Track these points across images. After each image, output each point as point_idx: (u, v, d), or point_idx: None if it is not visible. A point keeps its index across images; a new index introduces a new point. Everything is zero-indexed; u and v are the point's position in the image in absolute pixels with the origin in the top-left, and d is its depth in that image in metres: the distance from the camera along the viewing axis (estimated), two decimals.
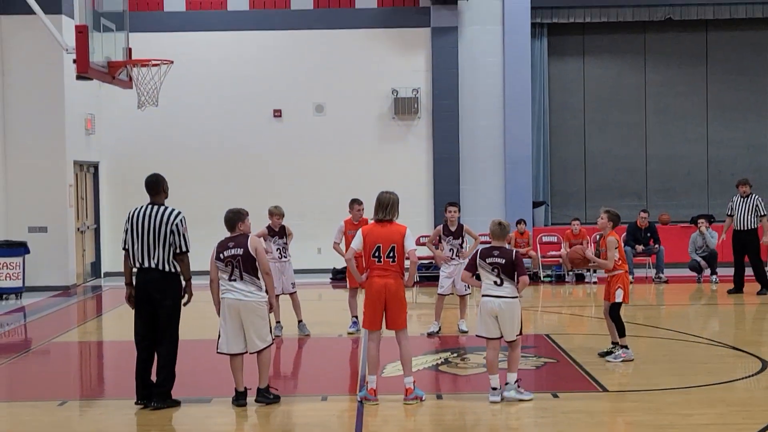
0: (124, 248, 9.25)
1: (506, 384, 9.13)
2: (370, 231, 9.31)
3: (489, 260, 9.15)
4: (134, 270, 9.21)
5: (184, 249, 9.04)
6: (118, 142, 20.92)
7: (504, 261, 9.10)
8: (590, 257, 11.21)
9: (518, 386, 9.14)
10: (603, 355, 11.12)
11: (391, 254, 9.17)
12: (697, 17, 21.86)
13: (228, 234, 9.22)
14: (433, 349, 12.05)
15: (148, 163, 20.35)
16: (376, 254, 9.18)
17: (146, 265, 9.02)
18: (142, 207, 9.15)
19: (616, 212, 11.21)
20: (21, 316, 16.08)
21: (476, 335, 9.44)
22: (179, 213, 9.09)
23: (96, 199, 20.81)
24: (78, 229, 19.58)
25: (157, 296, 9.04)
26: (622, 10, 21.74)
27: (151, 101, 13.67)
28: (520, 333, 9.29)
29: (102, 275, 20.78)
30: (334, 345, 12.69)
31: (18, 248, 17.70)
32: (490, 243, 9.42)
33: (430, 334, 12.89)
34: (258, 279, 9.06)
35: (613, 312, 11.09)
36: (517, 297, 9.15)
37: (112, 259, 20.69)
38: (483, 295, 9.21)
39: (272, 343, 9.30)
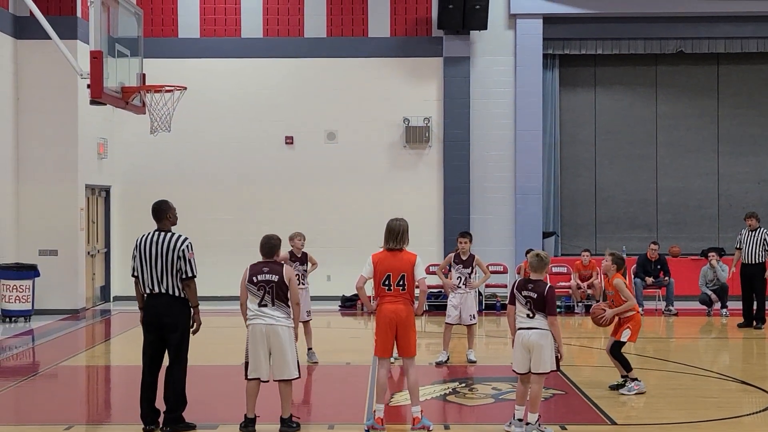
0: (133, 275, 9.32)
1: (527, 424, 8.97)
2: (380, 259, 9.30)
3: (524, 293, 9.05)
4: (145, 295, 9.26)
5: (190, 275, 9.10)
6: (130, 166, 21.01)
7: (536, 295, 8.98)
8: (615, 311, 11.11)
9: (539, 425, 9.00)
10: (614, 387, 11.09)
11: (401, 282, 9.18)
12: (708, 51, 21.92)
13: (261, 258, 9.23)
14: (441, 378, 12.01)
15: (159, 188, 20.43)
16: (386, 282, 9.19)
17: (156, 290, 9.10)
18: (149, 234, 9.26)
19: (621, 255, 11.33)
20: (29, 339, 16.09)
21: (512, 369, 9.30)
22: (186, 239, 9.19)
23: (107, 223, 20.87)
24: (88, 252, 19.62)
25: (168, 321, 9.11)
26: (634, 43, 21.82)
27: (164, 127, 13.70)
28: (557, 369, 9.19)
29: (111, 299, 20.79)
30: (342, 373, 12.66)
31: (28, 271, 17.75)
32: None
33: (438, 364, 12.85)
34: (287, 306, 9.08)
35: (615, 349, 11.10)
36: (548, 330, 9.01)
37: (122, 283, 20.72)
38: (518, 329, 9.11)
39: (298, 377, 9.26)
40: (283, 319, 9.04)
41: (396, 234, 9.29)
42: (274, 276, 9.06)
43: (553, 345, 9.02)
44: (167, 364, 9.26)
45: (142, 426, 9.17)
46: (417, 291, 9.34)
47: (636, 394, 10.83)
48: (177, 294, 9.09)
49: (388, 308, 9.20)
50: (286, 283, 9.06)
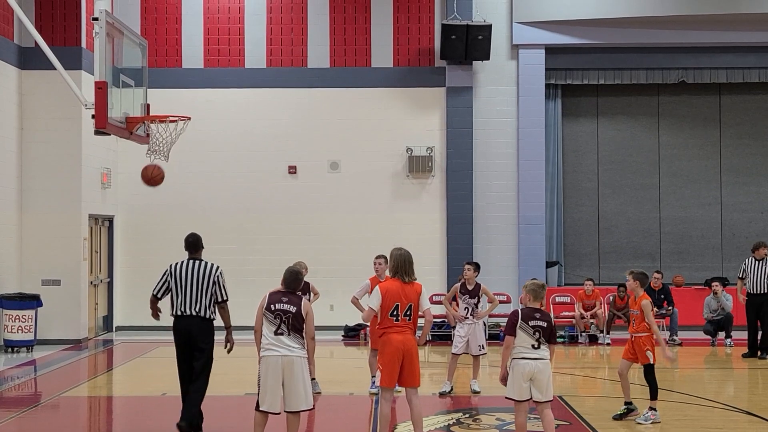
0: (155, 294, 10.17)
1: None
2: (388, 289, 9.24)
3: (531, 323, 8.99)
4: (173, 316, 10.14)
5: (225, 298, 10.14)
6: (133, 196, 21.01)
7: (546, 325, 8.98)
8: (663, 345, 11.06)
9: None
10: (618, 417, 11.03)
11: (408, 313, 9.17)
12: (710, 81, 22.00)
13: (280, 288, 9.21)
14: (444, 409, 11.96)
15: (162, 218, 20.53)
16: (394, 313, 9.16)
17: (188, 312, 9.98)
18: (183, 262, 10.17)
19: (642, 272, 11.23)
20: (32, 369, 16.04)
21: (506, 397, 9.23)
22: (219, 267, 10.20)
23: (110, 252, 20.87)
24: (91, 282, 19.60)
25: (200, 339, 10.01)
26: (636, 73, 21.89)
27: (162, 155, 13.67)
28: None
29: (114, 329, 20.74)
30: (346, 403, 12.61)
31: (31, 301, 17.72)
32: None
33: (442, 394, 12.79)
34: (302, 338, 8.99)
35: (648, 374, 11.01)
36: (549, 359, 9.06)
37: (125, 313, 20.69)
38: (517, 358, 9.02)
39: (312, 408, 9.21)
40: (298, 350, 8.93)
41: (410, 266, 9.27)
42: (293, 307, 8.99)
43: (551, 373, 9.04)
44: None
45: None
46: (420, 320, 9.31)
47: (652, 423, 10.76)
48: (208, 316, 10.03)
49: (396, 338, 9.15)
50: (303, 316, 8.99)
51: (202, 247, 10.35)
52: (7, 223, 18.05)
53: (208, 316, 10.03)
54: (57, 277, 18.53)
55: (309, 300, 13.06)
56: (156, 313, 10.38)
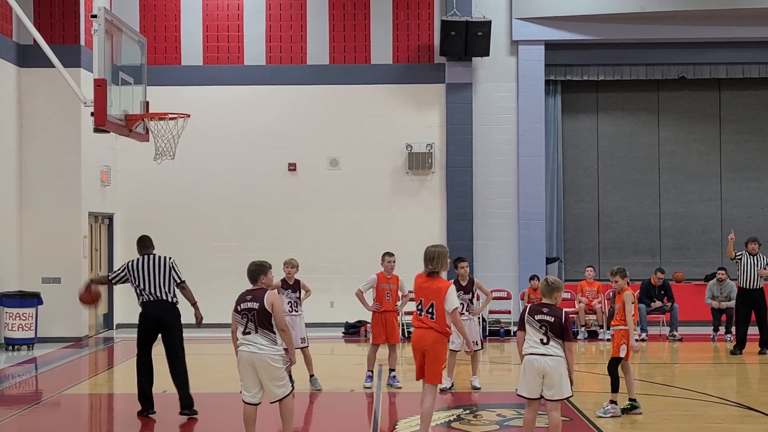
0: (110, 277, 11.62)
1: None
2: (418, 282, 9.38)
3: (538, 317, 8.83)
4: (141, 305, 11.22)
5: (182, 279, 11.24)
6: (132, 194, 21.02)
7: (553, 320, 8.77)
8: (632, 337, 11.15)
9: None
10: (624, 411, 11.06)
11: (431, 310, 9.13)
12: (710, 76, 21.98)
13: (250, 286, 9.19)
14: (445, 405, 11.95)
15: (162, 215, 20.49)
16: (419, 307, 9.24)
17: (155, 297, 11.02)
18: (139, 258, 11.21)
19: (622, 268, 11.52)
20: (32, 367, 16.04)
21: (517, 394, 9.13)
22: (171, 257, 11.32)
23: (110, 250, 20.86)
24: (91, 280, 19.54)
25: (170, 322, 11.05)
26: (636, 69, 21.88)
27: (168, 154, 13.71)
28: (570, 395, 9.03)
29: (114, 327, 20.75)
30: (346, 400, 12.61)
31: (31, 299, 17.72)
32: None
33: (442, 390, 12.76)
34: (273, 333, 8.97)
35: (612, 365, 11.08)
36: (563, 356, 8.80)
37: (125, 310, 20.68)
38: (527, 354, 8.88)
39: (291, 391, 9.18)
40: (266, 347, 8.90)
41: (431, 258, 9.27)
42: (255, 303, 8.95)
43: (566, 371, 8.86)
44: (162, 359, 10.96)
45: (143, 411, 11.07)
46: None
47: (611, 417, 10.86)
48: (173, 300, 11.11)
49: (415, 333, 9.32)
50: (267, 310, 8.93)
51: (153, 246, 11.42)
52: (7, 221, 18.05)
53: (171, 299, 11.08)
54: (57, 275, 18.52)
55: (300, 298, 13.09)
56: (89, 294, 11.37)
